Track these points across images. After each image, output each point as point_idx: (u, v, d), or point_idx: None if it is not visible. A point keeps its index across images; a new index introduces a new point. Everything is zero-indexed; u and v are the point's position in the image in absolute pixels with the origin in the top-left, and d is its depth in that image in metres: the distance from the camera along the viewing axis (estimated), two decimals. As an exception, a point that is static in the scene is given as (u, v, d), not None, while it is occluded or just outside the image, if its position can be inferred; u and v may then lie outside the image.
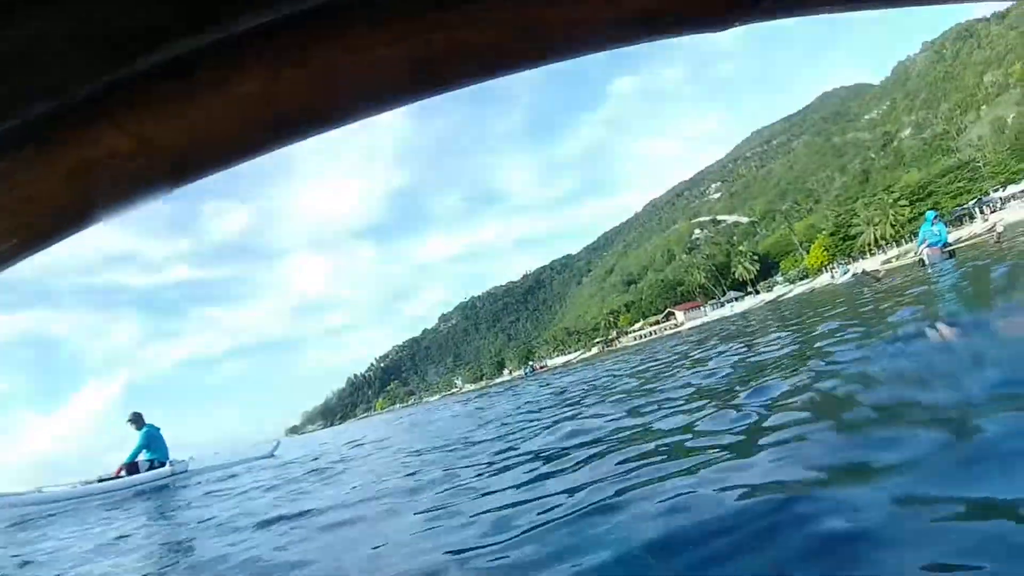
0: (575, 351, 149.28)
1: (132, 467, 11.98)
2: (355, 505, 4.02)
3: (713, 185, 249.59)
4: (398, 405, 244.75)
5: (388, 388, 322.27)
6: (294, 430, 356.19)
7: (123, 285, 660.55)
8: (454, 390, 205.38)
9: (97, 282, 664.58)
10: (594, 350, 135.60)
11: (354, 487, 5.06)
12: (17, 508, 9.69)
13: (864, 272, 32.24)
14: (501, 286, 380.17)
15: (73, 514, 8.24)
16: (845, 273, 47.76)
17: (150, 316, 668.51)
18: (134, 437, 12.21)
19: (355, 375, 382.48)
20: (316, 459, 9.99)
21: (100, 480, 11.42)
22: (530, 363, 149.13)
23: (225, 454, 14.16)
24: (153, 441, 12.33)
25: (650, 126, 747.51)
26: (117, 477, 11.67)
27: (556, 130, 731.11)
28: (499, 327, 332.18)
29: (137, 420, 12.45)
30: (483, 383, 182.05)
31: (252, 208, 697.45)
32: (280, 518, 3.95)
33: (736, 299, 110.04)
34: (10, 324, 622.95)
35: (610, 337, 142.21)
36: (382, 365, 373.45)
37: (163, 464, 12.03)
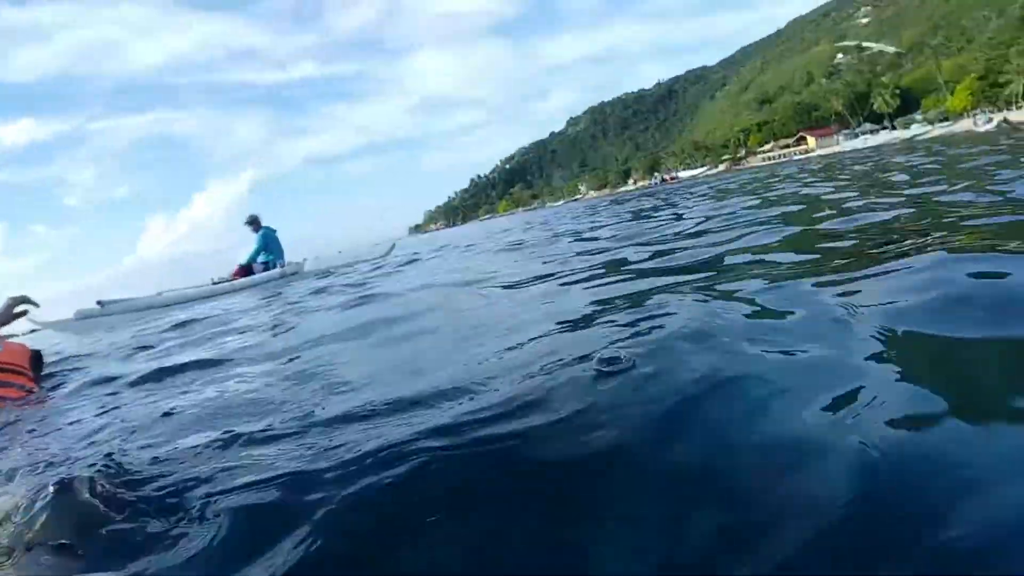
0: (702, 166, 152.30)
1: (247, 269, 12.19)
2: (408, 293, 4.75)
3: (864, 8, 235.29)
4: (520, 208, 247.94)
5: (512, 191, 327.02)
6: (417, 228, 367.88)
7: (248, 82, 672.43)
8: (578, 196, 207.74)
9: (221, 80, 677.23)
10: (721, 167, 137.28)
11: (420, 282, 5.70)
12: (138, 312, 9.95)
13: (1006, 121, 34.66)
14: (632, 93, 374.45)
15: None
16: (988, 122, 46.24)
17: (275, 114, 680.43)
18: (251, 239, 12.41)
19: (479, 176, 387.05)
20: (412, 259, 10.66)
21: (214, 283, 11.64)
22: (659, 174, 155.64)
23: (347, 253, 13.93)
24: (270, 243, 12.45)
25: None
26: (233, 279, 11.78)
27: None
28: (627, 135, 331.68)
29: (254, 222, 12.50)
30: (608, 190, 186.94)
31: (378, 0, 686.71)
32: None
33: (872, 132, 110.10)
34: (133, 126, 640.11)
35: (738, 156, 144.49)
36: (507, 167, 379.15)
37: (277, 265, 12.14)
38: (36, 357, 3.67)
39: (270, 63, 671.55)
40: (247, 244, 12.46)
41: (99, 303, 10.30)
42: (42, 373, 3.70)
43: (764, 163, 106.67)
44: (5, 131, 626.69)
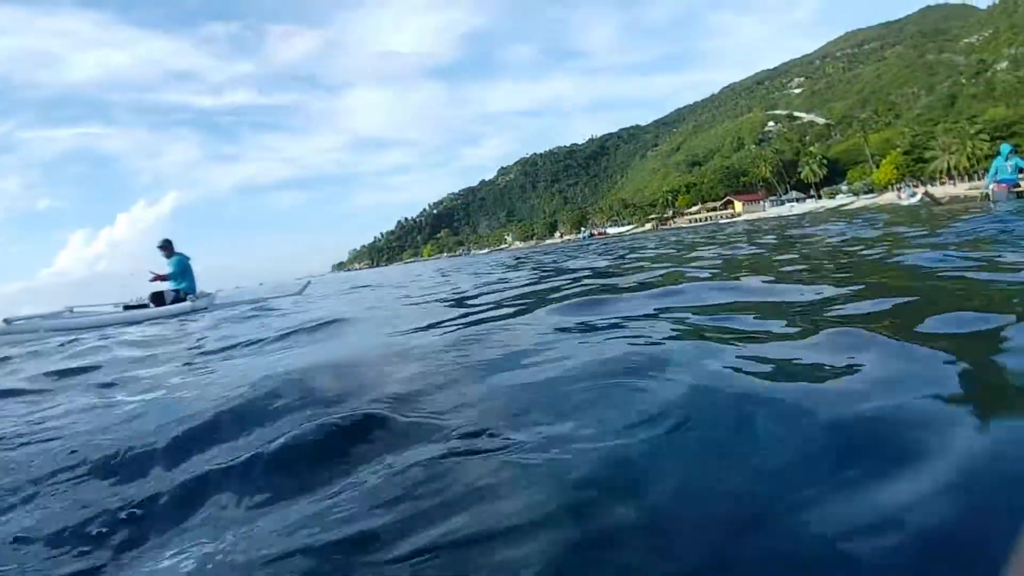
0: (628, 224, 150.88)
1: (158, 297, 11.82)
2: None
3: (796, 79, 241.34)
4: (445, 254, 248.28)
5: (438, 236, 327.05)
6: (340, 266, 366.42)
7: (182, 104, 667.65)
8: (504, 245, 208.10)
9: (155, 99, 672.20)
10: (647, 226, 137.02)
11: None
12: (47, 331, 9.75)
13: (927, 195, 33.50)
14: (564, 147, 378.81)
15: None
16: (912, 196, 47.78)
17: (206, 138, 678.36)
18: (163, 264, 12.08)
19: (405, 218, 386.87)
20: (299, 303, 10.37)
21: (126, 308, 11.45)
22: (589, 229, 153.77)
23: (267, 287, 13.55)
24: (183, 271, 12.07)
25: (742, 4, 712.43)
26: (144, 306, 11.54)
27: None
28: (556, 188, 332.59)
29: (166, 247, 12.15)
30: (533, 242, 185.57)
31: (319, 34, 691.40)
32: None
33: (798, 200, 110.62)
34: (63, 139, 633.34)
35: (665, 216, 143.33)
36: (434, 211, 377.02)
37: (187, 296, 11.81)
38: None
39: (206, 87, 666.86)
40: (160, 269, 12.05)
41: (5, 321, 10.36)
42: None
43: (690, 224, 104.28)
44: None
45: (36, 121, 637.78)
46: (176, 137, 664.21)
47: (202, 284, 12.51)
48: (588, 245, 30.63)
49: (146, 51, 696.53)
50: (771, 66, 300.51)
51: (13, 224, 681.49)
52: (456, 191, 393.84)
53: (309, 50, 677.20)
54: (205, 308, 11.58)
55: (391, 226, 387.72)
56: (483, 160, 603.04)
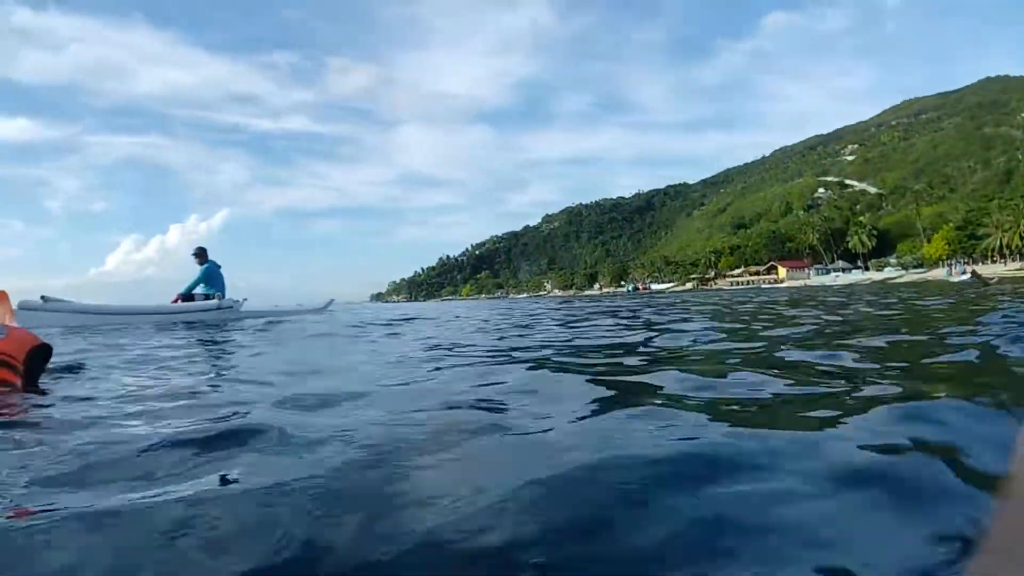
0: (669, 281, 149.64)
1: (188, 298, 12.71)
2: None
3: (850, 146, 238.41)
4: (484, 295, 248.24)
5: (478, 276, 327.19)
6: (378, 297, 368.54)
7: (240, 125, 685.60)
8: (543, 292, 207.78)
9: (215, 118, 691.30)
10: (688, 285, 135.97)
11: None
12: (80, 316, 10.60)
13: (974, 273, 32.54)
14: (610, 199, 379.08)
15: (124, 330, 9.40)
16: (964, 273, 46.00)
17: (259, 161, 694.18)
18: (196, 270, 12.99)
19: (447, 256, 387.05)
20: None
21: (157, 307, 12.21)
22: (633, 283, 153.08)
23: (288, 304, 14.94)
24: (212, 277, 12.93)
25: (797, 69, 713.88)
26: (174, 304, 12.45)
27: (697, 51, 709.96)
28: (599, 240, 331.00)
29: (200, 255, 13.06)
30: (572, 291, 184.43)
31: (376, 70, 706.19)
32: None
33: (844, 270, 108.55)
34: (125, 146, 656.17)
35: (707, 276, 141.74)
36: (476, 252, 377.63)
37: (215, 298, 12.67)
38: (41, 350, 3.43)
39: (264, 111, 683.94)
40: (194, 274, 12.90)
41: (43, 298, 10.89)
42: (45, 367, 3.52)
43: (732, 287, 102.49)
44: (4, 126, 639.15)
45: (100, 127, 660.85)
46: (231, 157, 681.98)
47: (242, 299, 13.28)
48: (640, 297, 30.37)
49: (210, 72, 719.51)
50: (825, 131, 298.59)
51: (69, 222, 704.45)
52: (499, 234, 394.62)
53: (366, 84, 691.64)
54: (230, 308, 12.61)
55: (432, 262, 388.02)
56: (528, 206, 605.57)
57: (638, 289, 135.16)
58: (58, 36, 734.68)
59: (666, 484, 1.37)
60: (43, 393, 3.07)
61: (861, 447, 1.61)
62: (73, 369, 4.01)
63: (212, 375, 3.94)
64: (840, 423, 1.91)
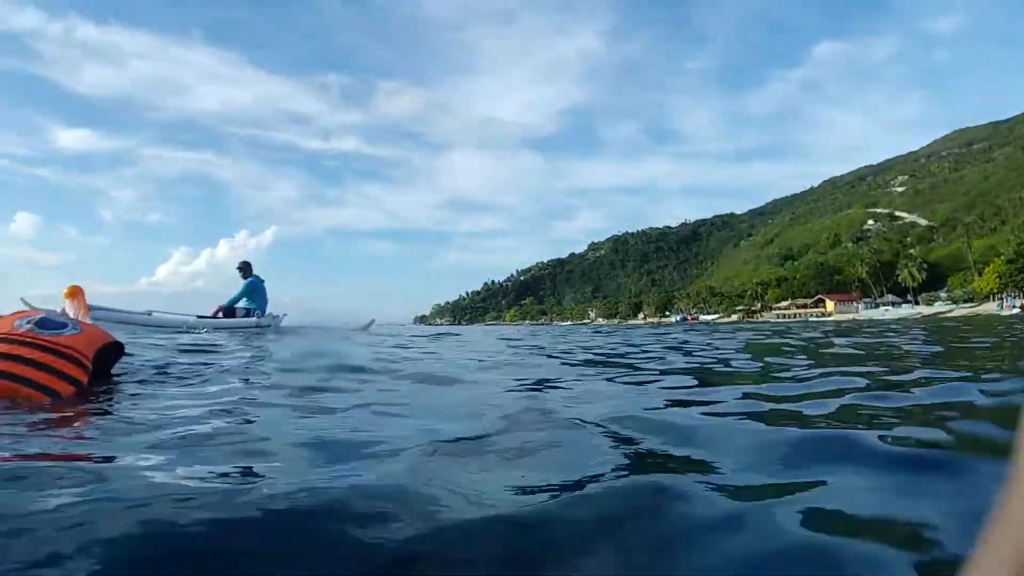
0: (714, 312, 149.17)
1: (228, 312, 12.94)
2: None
3: (900, 177, 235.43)
4: (528, 321, 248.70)
5: (523, 302, 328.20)
6: (422, 319, 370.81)
7: (292, 144, 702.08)
8: (587, 320, 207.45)
9: (268, 137, 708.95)
10: (734, 317, 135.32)
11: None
12: (124, 324, 10.59)
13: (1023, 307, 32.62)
14: (657, 228, 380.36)
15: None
16: (1014, 307, 45.66)
17: (310, 180, 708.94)
18: (239, 283, 13.35)
19: (492, 281, 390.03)
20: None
21: (199, 316, 12.59)
22: (683, 313, 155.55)
23: (329, 321, 15.05)
24: (255, 292, 13.23)
25: (846, 99, 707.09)
26: (214, 317, 12.74)
27: (746, 81, 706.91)
28: (645, 269, 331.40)
29: (245, 269, 13.46)
30: (616, 320, 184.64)
31: (426, 94, 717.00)
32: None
33: (892, 304, 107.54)
34: (180, 161, 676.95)
35: (754, 308, 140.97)
36: (521, 278, 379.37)
37: (254, 314, 12.94)
38: (113, 349, 3.48)
39: (316, 131, 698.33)
40: (238, 287, 13.19)
41: (89, 307, 8.68)
42: (115, 365, 3.55)
43: (779, 319, 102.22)
44: (63, 135, 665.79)
45: (156, 141, 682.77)
46: (283, 175, 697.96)
47: (281, 314, 13.72)
48: (696, 329, 27.56)
49: (265, 91, 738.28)
50: (874, 162, 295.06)
51: (123, 231, 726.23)
52: (545, 261, 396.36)
53: (416, 108, 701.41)
54: (268, 326, 12.65)
55: (476, 286, 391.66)
56: (574, 233, 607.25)
57: (687, 319, 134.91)
58: (119, 51, 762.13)
59: None
60: (111, 390, 3.25)
61: None
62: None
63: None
64: None
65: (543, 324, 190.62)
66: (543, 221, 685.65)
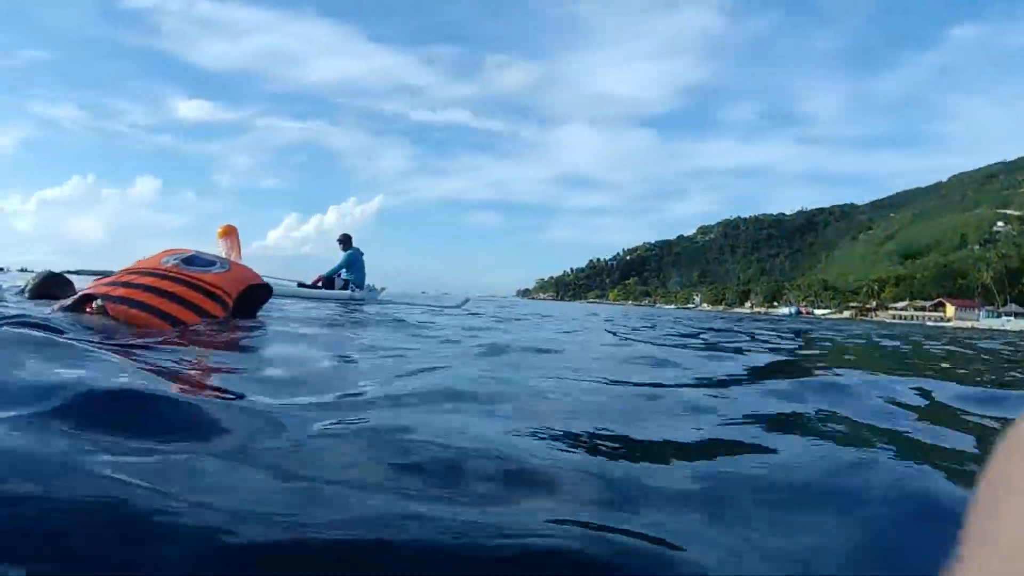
0: (827, 308, 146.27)
1: (328, 281, 13.27)
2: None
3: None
4: (631, 301, 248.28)
5: (627, 282, 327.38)
6: (525, 293, 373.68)
7: (402, 115, 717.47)
8: (691, 305, 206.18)
9: (379, 108, 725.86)
10: (846, 313, 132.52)
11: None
12: None
13: None
14: (771, 215, 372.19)
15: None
16: None
17: (420, 150, 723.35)
18: (339, 255, 13.71)
19: (597, 259, 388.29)
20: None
21: (299, 284, 12.76)
22: (796, 306, 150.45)
23: (424, 297, 14.84)
24: (354, 264, 13.52)
25: (981, 87, 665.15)
26: (314, 286, 12.98)
27: (876, 63, 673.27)
28: (755, 256, 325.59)
29: (345, 241, 13.77)
30: (722, 307, 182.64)
31: (537, 67, 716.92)
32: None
33: (1016, 314, 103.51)
34: (293, 130, 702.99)
35: (868, 306, 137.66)
36: (627, 258, 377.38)
37: (357, 287, 13.25)
38: (260, 289, 3.59)
39: (426, 102, 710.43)
40: (338, 257, 13.64)
41: None
42: (260, 306, 3.67)
43: (894, 320, 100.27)
44: (184, 105, 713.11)
45: (271, 111, 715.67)
46: (393, 144, 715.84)
47: (393, 285, 14.42)
48: (813, 323, 28.16)
49: (377, 63, 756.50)
50: (1008, 158, 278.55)
51: (238, 196, 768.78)
52: (652, 241, 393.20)
53: (527, 81, 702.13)
54: (362, 300, 12.73)
55: (581, 263, 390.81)
56: (683, 215, 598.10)
57: (800, 313, 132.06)
58: (237, 26, 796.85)
59: None
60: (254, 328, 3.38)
61: None
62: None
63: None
64: None
65: (646, 305, 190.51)
66: (652, 201, 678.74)
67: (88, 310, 2.94)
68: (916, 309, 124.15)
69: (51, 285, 4.28)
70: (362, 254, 13.83)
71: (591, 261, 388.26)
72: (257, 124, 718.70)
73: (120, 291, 2.97)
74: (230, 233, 3.84)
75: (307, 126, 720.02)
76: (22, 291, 4.43)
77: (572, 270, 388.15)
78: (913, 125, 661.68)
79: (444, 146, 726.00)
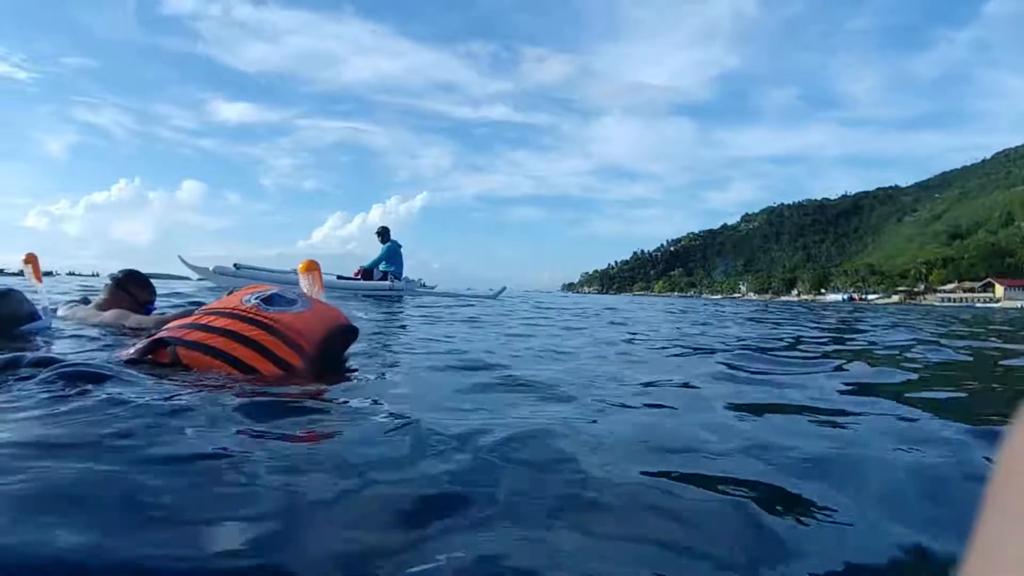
0: (874, 293, 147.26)
1: (367, 273, 13.52)
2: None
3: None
4: (676, 293, 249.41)
5: (672, 273, 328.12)
6: (569, 287, 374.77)
7: (442, 113, 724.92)
8: (737, 295, 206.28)
9: (419, 106, 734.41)
10: (894, 298, 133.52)
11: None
12: (264, 281, 9.20)
13: None
14: (815, 200, 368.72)
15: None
16: None
17: (460, 147, 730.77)
18: (378, 247, 13.90)
19: (641, 251, 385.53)
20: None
21: (339, 277, 13.09)
22: (848, 292, 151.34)
23: (462, 288, 15.41)
24: (392, 256, 13.67)
25: (1021, 62, 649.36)
26: (354, 278, 13.35)
27: (913, 41, 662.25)
28: (800, 243, 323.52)
29: (383, 234, 13.98)
30: (768, 296, 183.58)
31: (573, 60, 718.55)
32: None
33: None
34: (334, 130, 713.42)
35: (916, 289, 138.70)
36: (671, 249, 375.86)
37: (396, 278, 13.39)
38: (345, 331, 3.09)
39: (465, 99, 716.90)
40: (377, 250, 13.88)
41: (235, 265, 12.43)
42: (346, 349, 3.16)
43: (943, 303, 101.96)
44: (225, 108, 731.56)
45: (312, 112, 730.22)
46: (433, 142, 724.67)
47: (435, 280, 14.65)
48: (873, 310, 26.87)
49: (415, 61, 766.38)
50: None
51: (282, 197, 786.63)
52: (696, 231, 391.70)
53: (563, 74, 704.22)
54: (401, 291, 13.04)
55: (625, 256, 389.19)
56: (726, 204, 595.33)
57: (852, 299, 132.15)
58: (276, 28, 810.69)
59: None
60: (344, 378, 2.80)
61: None
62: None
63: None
64: None
65: (692, 296, 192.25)
66: (694, 191, 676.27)
67: (162, 357, 2.74)
68: (965, 291, 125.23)
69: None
70: (400, 246, 13.93)
71: (635, 253, 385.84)
72: (299, 125, 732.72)
73: (195, 335, 2.76)
74: (312, 269, 3.79)
75: (348, 125, 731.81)
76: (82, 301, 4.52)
77: (616, 263, 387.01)
78: (954, 103, 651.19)
79: (485, 142, 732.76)
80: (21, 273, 5.18)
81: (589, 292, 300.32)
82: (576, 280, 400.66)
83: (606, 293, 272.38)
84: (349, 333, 3.13)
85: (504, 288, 16.03)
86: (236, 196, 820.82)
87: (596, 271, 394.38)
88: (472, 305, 10.59)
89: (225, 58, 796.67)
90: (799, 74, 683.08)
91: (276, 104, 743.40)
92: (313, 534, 1.00)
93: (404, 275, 13.83)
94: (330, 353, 3.02)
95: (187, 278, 20.73)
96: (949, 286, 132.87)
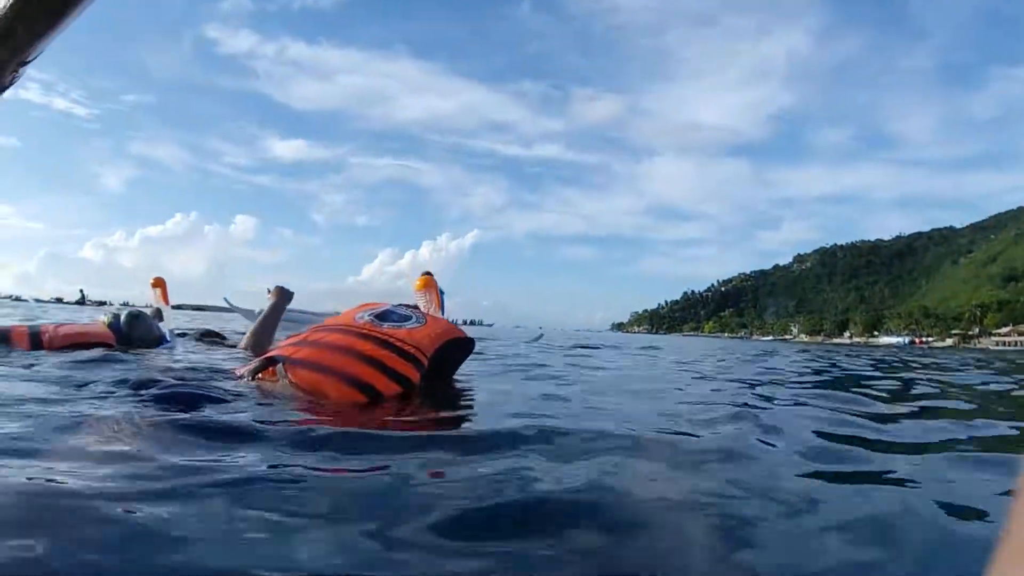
0: (928, 335, 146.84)
1: None
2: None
3: None
4: (726, 334, 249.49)
5: (722, 314, 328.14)
6: (619, 326, 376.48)
7: (493, 151, 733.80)
8: (788, 336, 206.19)
9: (470, 144, 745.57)
10: (949, 341, 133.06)
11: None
12: (296, 321, 9.42)
13: None
14: (868, 241, 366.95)
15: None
16: None
17: (511, 185, 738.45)
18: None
19: (692, 291, 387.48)
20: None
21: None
22: (909, 335, 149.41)
23: (523, 330, 13.59)
24: None
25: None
26: None
27: (968, 79, 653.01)
28: (853, 284, 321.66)
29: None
30: (820, 338, 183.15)
31: (625, 99, 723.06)
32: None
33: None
34: (385, 167, 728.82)
35: (970, 333, 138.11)
36: (722, 289, 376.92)
37: None
38: (460, 345, 3.20)
39: (517, 138, 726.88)
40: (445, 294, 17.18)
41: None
42: (462, 361, 3.34)
43: (998, 347, 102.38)
44: (280, 146, 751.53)
45: (364, 149, 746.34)
46: (485, 181, 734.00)
47: (488, 318, 18.22)
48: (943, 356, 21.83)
49: (467, 100, 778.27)
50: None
51: (333, 233, 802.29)
52: (747, 272, 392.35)
53: (614, 114, 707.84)
54: None
55: (675, 296, 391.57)
56: (778, 244, 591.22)
57: (914, 343, 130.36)
58: (329, 67, 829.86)
59: None
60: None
61: None
62: None
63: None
64: None
65: (742, 338, 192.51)
66: (746, 230, 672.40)
67: (272, 376, 2.73)
68: (1020, 334, 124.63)
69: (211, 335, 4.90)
70: (443, 293, 17.51)
71: (685, 293, 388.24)
72: (350, 162, 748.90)
73: (304, 352, 2.71)
74: (429, 285, 3.62)
75: (399, 163, 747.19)
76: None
77: (666, 303, 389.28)
78: (1010, 142, 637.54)
79: (536, 180, 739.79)
80: (80, 302, 6.22)
81: (639, 332, 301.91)
82: (626, 319, 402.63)
83: (656, 333, 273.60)
84: (466, 345, 3.26)
85: (541, 333, 16.29)
86: (288, 231, 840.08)
87: (646, 311, 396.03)
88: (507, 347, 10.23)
89: (279, 96, 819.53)
90: (853, 113, 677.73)
91: (328, 141, 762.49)
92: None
93: (449, 317, 16.23)
94: (447, 365, 3.25)
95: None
96: (1004, 329, 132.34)
